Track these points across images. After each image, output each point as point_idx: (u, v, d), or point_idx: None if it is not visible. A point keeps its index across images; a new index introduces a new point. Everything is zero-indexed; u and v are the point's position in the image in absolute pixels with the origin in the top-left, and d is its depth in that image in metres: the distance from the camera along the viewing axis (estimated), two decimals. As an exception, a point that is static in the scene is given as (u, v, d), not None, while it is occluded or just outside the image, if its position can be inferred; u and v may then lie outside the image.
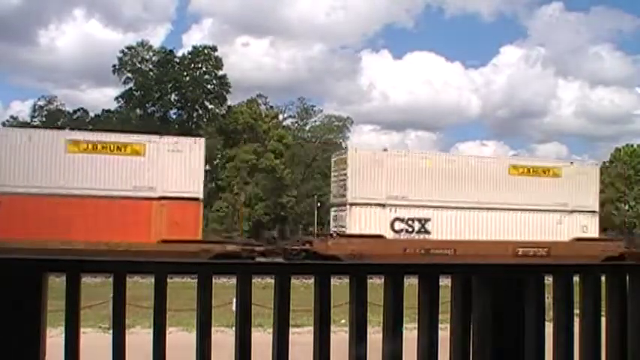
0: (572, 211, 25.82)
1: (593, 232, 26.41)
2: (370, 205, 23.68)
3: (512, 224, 25.03)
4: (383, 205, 23.80)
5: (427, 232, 24.19)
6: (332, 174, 26.38)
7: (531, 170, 25.96)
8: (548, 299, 2.36)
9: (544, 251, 24.37)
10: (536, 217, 25.20)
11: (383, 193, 23.79)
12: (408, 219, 24.07)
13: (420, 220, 24.19)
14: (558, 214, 25.61)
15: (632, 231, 42.59)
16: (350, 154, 24.50)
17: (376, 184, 23.79)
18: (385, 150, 25.99)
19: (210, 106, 47.20)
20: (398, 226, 23.95)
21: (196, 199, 22.47)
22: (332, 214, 26.16)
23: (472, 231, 24.43)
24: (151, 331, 2.03)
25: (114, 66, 46.04)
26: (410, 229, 24.08)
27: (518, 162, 26.91)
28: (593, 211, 26.45)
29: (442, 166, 24.79)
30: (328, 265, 2.29)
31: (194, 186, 22.52)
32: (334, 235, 24.33)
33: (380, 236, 23.31)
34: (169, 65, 46.25)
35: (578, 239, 25.31)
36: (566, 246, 24.33)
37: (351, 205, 23.61)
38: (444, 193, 24.13)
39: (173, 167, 22.27)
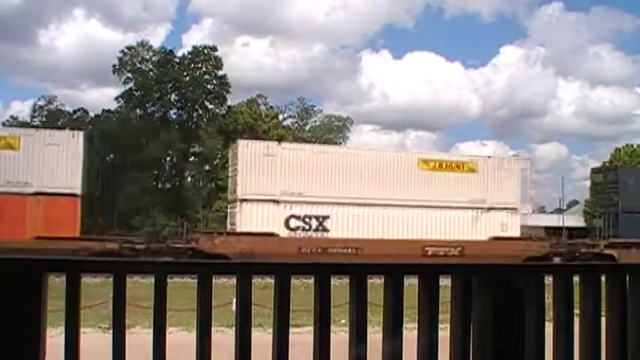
0: (489, 209, 24.37)
1: (515, 230, 24.89)
2: (262, 201, 22.20)
3: (422, 222, 23.66)
4: (277, 202, 22.38)
5: (326, 230, 22.76)
6: (229, 168, 24.96)
7: (444, 165, 24.51)
8: (548, 299, 2.36)
9: (457, 251, 23.17)
10: (449, 215, 23.89)
11: (277, 189, 22.33)
12: (305, 216, 22.67)
13: (317, 218, 22.77)
14: (474, 212, 24.21)
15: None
16: (240, 147, 22.95)
17: (269, 179, 22.30)
18: (279, 142, 24.89)
19: (210, 106, 47.22)
20: (293, 223, 22.56)
21: (74, 195, 21.47)
22: (228, 210, 24.78)
23: (377, 229, 23.10)
24: (151, 331, 2.03)
25: (114, 66, 46.08)
26: (307, 227, 22.64)
27: (428, 156, 25.41)
28: (514, 209, 24.85)
29: (343, 161, 23.35)
30: (328, 265, 2.29)
31: (72, 181, 21.46)
32: (224, 233, 22.95)
33: (272, 234, 21.98)
34: (169, 65, 46.26)
35: (496, 238, 23.99)
36: (482, 245, 23.02)
37: (242, 201, 22.23)
38: (345, 189, 22.77)
39: (49, 162, 21.22)
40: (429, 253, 22.72)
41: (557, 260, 23.67)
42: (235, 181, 22.75)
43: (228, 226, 23.80)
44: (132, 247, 20.93)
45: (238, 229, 22.14)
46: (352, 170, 23.10)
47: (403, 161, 24.21)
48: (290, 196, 22.44)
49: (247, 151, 22.72)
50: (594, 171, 30.14)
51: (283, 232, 22.34)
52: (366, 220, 23.07)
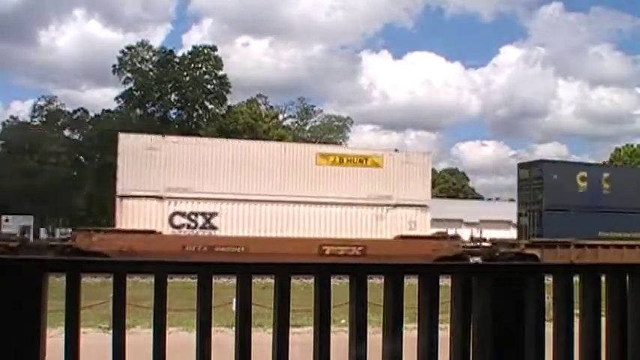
0: (396, 205, 23.07)
1: (424, 228, 23.58)
2: (145, 197, 20.96)
3: (321, 220, 22.41)
4: (160, 198, 21.16)
5: (213, 227, 21.55)
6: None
7: (344, 159, 23.18)
8: (548, 299, 2.36)
9: (358, 250, 21.92)
10: (350, 212, 22.64)
11: (160, 185, 21.06)
12: (191, 213, 21.47)
13: (204, 215, 21.57)
14: (379, 209, 22.93)
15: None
16: (120, 141, 21.59)
17: (152, 174, 21.01)
18: (163, 136, 23.58)
19: (210, 106, 47.29)
20: (178, 221, 21.35)
21: None
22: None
23: (271, 226, 21.87)
24: (151, 331, 2.03)
25: (114, 66, 46.16)
26: (192, 225, 21.47)
27: (327, 150, 24.14)
28: (424, 205, 23.52)
29: (234, 154, 22.07)
30: (328, 265, 2.29)
31: None
32: (102, 230, 21.68)
33: (153, 231, 20.74)
34: (169, 65, 46.31)
35: (403, 237, 22.73)
36: (386, 244, 21.84)
37: (122, 197, 20.95)
38: (235, 185, 21.55)
39: None
40: (327, 252, 21.49)
41: (476, 260, 22.60)
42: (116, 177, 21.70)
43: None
44: (5, 245, 19.53)
45: (118, 227, 20.91)
46: (244, 164, 21.92)
47: (300, 155, 23.02)
48: (175, 192, 21.31)
49: (128, 145, 21.50)
50: (520, 166, 28.66)
51: (167, 230, 21.15)
52: (257, 217, 21.88)
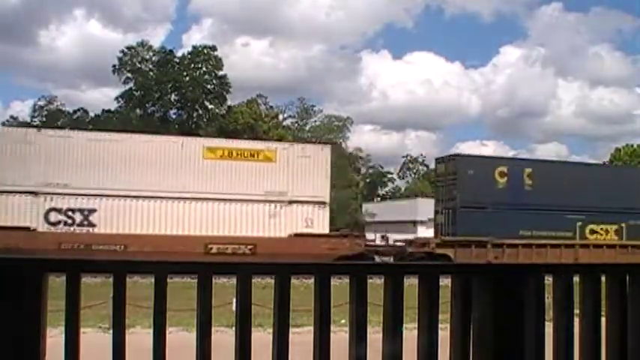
0: (291, 202, 22.02)
1: (323, 226, 22.34)
2: (18, 193, 20.07)
3: (210, 216, 21.42)
4: (35, 194, 20.26)
5: (92, 224, 20.58)
6: None
7: (234, 153, 22.12)
8: (548, 299, 2.36)
9: (248, 249, 21.04)
10: (241, 209, 21.60)
11: (35, 180, 20.10)
12: (68, 209, 20.50)
13: (82, 211, 20.61)
14: (272, 205, 21.88)
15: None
16: None
17: (26, 168, 20.05)
18: (39, 129, 22.40)
19: (210, 106, 47.29)
20: (54, 217, 20.37)
21: None
22: None
23: (155, 224, 21.01)
24: (151, 331, 2.03)
25: (114, 66, 46.18)
26: (70, 222, 20.48)
27: (216, 144, 23.05)
28: (322, 202, 22.32)
29: (115, 149, 21.06)
30: (328, 265, 2.29)
31: None
32: None
33: (27, 228, 19.84)
34: (169, 65, 46.32)
35: (297, 235, 21.64)
36: (279, 243, 20.89)
37: None
38: (116, 180, 20.58)
39: None
40: (214, 250, 20.68)
41: (385, 260, 22.03)
42: None
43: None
44: None
45: None
46: (125, 159, 20.95)
47: (185, 149, 21.92)
48: (53, 187, 20.40)
49: (3, 138, 20.63)
50: (437, 161, 27.14)
51: (43, 227, 20.22)
52: (140, 214, 20.99)
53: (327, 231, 22.60)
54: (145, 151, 21.39)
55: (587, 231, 25.49)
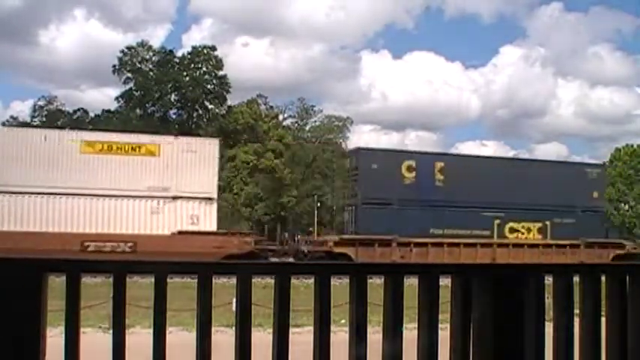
0: (175, 198, 21.24)
1: (210, 223, 21.61)
2: None
3: (88, 213, 20.47)
4: None
5: None
6: None
7: (114, 147, 21.15)
8: (548, 299, 2.36)
9: (127, 247, 20.14)
10: (121, 205, 20.80)
11: None
12: None
13: None
14: (154, 201, 21.05)
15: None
16: None
17: None
18: None
19: (210, 106, 47.26)
20: None
21: None
22: None
23: (29, 220, 20.10)
24: (151, 331, 2.03)
25: (114, 66, 46.13)
26: None
27: (94, 137, 21.98)
28: (210, 198, 21.57)
29: None
30: (328, 265, 2.29)
31: None
32: None
33: None
34: (169, 65, 46.29)
35: (181, 232, 20.93)
36: (161, 240, 20.02)
37: None
38: None
39: None
40: (91, 248, 19.82)
41: (273, 259, 20.98)
42: None
43: None
44: None
45: None
46: None
47: (61, 142, 20.96)
48: None
49: None
50: (346, 155, 25.61)
51: None
52: (12, 210, 20.19)
53: (215, 228, 21.77)
54: (15, 144, 20.52)
55: (506, 229, 23.88)
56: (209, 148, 22.36)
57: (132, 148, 21.39)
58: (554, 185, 23.64)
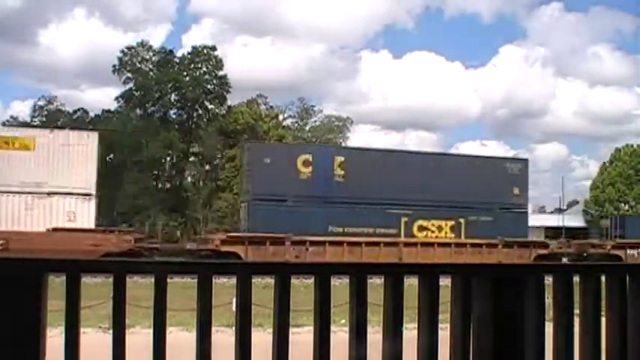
0: (51, 193, 20.32)
1: (88, 220, 20.85)
2: None
3: None
4: None
5: None
6: None
7: None
8: (548, 299, 2.36)
9: None
10: None
11: None
12: None
13: None
14: (27, 197, 20.16)
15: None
16: None
17: None
18: None
19: (210, 106, 47.25)
20: None
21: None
22: None
23: None
24: (151, 331, 2.03)
25: (114, 66, 46.10)
26: None
27: None
28: (88, 194, 20.74)
29: None
30: (328, 265, 2.29)
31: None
32: None
33: None
34: (169, 65, 46.29)
35: (56, 229, 19.95)
36: (34, 238, 18.88)
37: None
38: None
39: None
40: None
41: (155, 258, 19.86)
42: None
43: None
44: None
45: None
46: None
47: None
48: None
49: None
50: (242, 150, 23.99)
51: None
52: None
53: (92, 225, 21.11)
54: None
55: (414, 228, 22.53)
56: (88, 142, 21.47)
57: (5, 142, 20.60)
58: (470, 181, 22.37)
